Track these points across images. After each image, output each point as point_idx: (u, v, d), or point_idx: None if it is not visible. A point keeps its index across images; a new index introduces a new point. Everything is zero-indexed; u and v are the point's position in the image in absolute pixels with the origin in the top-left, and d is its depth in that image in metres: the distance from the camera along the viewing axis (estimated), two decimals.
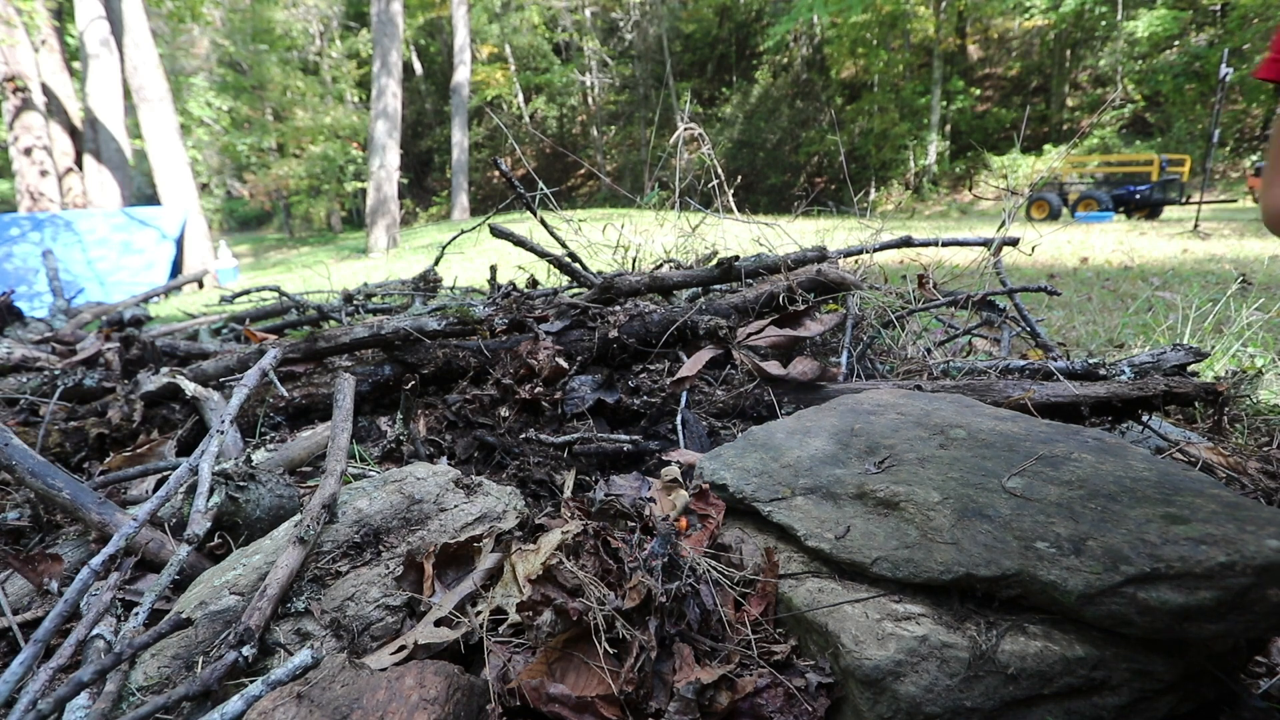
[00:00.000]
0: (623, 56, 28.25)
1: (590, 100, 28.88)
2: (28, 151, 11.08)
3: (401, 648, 0.78)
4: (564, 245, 2.08)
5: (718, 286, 2.02)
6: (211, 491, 1.04)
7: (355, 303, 2.76)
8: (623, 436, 1.31)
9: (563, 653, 0.71)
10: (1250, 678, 0.82)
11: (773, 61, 26.01)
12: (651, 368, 1.57)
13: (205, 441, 1.15)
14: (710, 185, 2.53)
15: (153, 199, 11.82)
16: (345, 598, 0.85)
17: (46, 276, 4.08)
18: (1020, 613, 0.68)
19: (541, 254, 1.89)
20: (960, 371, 1.50)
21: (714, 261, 2.17)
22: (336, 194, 25.26)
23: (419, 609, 0.85)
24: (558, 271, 1.97)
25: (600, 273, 2.02)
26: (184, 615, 0.77)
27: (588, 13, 27.73)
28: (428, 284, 2.96)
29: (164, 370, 1.63)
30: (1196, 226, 7.92)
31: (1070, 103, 21.17)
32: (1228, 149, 16.78)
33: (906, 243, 2.33)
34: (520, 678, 0.69)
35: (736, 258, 1.91)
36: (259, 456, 1.36)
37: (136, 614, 0.84)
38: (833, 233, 2.95)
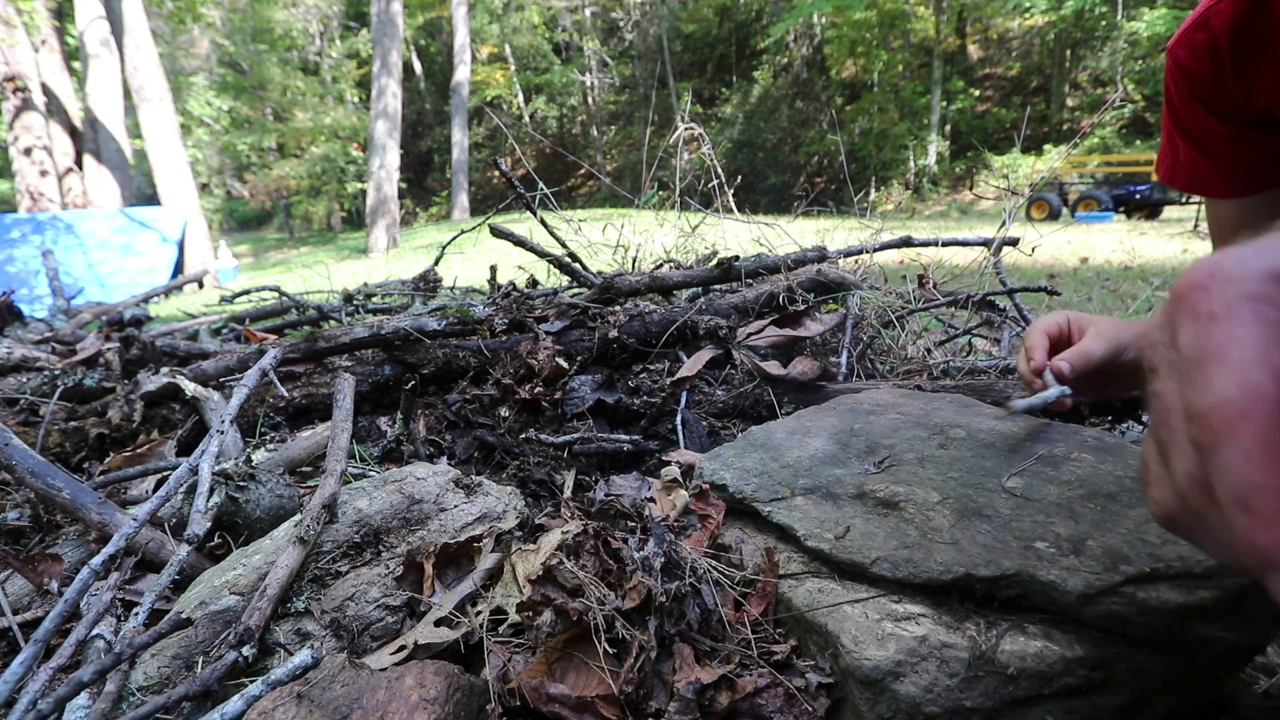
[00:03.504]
0: (623, 56, 28.23)
1: (590, 100, 28.86)
2: (28, 151, 11.09)
3: (401, 648, 0.78)
4: (564, 245, 2.08)
5: (718, 286, 2.02)
6: (211, 491, 1.03)
7: (355, 303, 2.76)
8: (623, 436, 1.31)
9: (563, 653, 0.71)
10: (1250, 678, 0.82)
11: (773, 61, 26.00)
12: (651, 368, 1.57)
13: (205, 441, 1.15)
14: (710, 185, 2.53)
15: (153, 199, 11.82)
16: (345, 598, 0.85)
17: (46, 277, 4.08)
18: (1020, 613, 0.68)
19: (541, 254, 1.89)
20: (960, 371, 1.50)
21: (714, 261, 2.16)
22: (336, 194, 25.27)
23: (419, 609, 0.85)
24: (558, 271, 1.97)
25: (600, 273, 2.02)
26: (184, 615, 0.77)
27: (588, 13, 27.71)
28: (428, 284, 2.96)
29: (164, 370, 1.63)
30: (1197, 226, 7.93)
31: (1070, 103, 21.16)
32: None
33: (906, 243, 2.33)
34: (520, 678, 0.69)
35: (736, 258, 1.91)
36: (259, 456, 1.36)
37: (136, 614, 0.84)
38: (833, 233, 2.95)
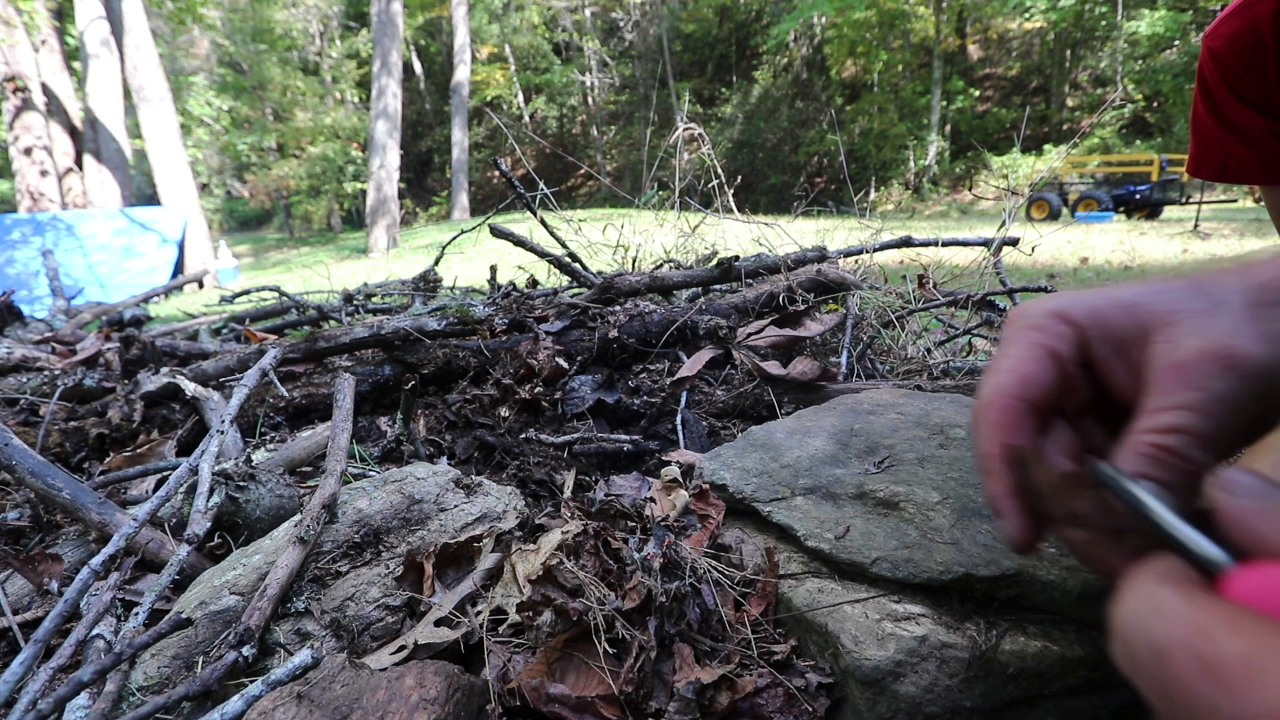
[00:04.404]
0: (623, 56, 28.23)
1: (590, 100, 28.86)
2: (28, 151, 11.09)
3: (401, 648, 0.78)
4: (564, 245, 2.08)
5: (718, 286, 2.02)
6: (211, 491, 1.03)
7: (355, 303, 2.76)
8: (623, 436, 1.31)
9: (563, 653, 0.71)
10: None
11: (773, 61, 26.01)
12: (651, 368, 1.57)
13: (205, 441, 1.15)
14: (710, 185, 2.53)
15: (153, 199, 11.83)
16: (345, 598, 0.85)
17: (46, 277, 4.08)
18: (1020, 613, 0.68)
19: (541, 254, 1.89)
20: (960, 371, 1.50)
21: (714, 261, 2.17)
22: (336, 194, 25.28)
23: (419, 609, 0.85)
24: (558, 271, 1.97)
25: (600, 273, 2.02)
26: (184, 615, 0.77)
27: (588, 13, 27.72)
28: (428, 284, 2.96)
29: (164, 370, 1.63)
30: (1196, 226, 7.93)
31: (1070, 103, 21.16)
32: None
33: (906, 243, 2.34)
34: (520, 678, 0.69)
35: (736, 258, 1.91)
36: (259, 456, 1.36)
37: (136, 614, 0.84)
38: (833, 233, 2.95)
